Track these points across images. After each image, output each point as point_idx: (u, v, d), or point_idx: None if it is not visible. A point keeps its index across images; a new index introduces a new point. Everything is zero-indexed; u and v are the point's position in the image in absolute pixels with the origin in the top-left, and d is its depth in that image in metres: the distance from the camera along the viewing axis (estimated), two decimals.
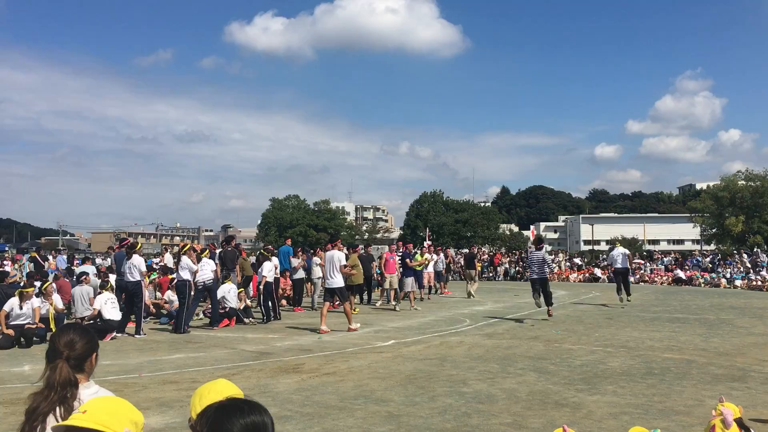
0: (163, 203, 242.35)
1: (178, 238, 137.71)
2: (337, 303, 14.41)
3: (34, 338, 12.78)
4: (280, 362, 10.43)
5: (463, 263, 27.38)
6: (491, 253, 45.78)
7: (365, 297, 21.53)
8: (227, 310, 15.71)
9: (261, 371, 9.61)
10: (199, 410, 2.01)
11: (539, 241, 17.39)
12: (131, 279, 14.07)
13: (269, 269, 16.40)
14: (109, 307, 13.80)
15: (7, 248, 49.99)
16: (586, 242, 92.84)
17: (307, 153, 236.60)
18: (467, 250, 39.51)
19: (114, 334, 13.40)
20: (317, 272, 19.44)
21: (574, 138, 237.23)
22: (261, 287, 16.59)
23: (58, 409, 2.59)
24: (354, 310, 18.09)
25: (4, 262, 29.52)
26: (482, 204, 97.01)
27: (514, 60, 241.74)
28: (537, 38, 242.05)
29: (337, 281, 14.23)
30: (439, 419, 6.81)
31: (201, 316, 16.56)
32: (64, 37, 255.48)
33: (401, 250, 21.45)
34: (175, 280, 15.25)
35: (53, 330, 12.73)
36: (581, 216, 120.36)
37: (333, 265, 14.22)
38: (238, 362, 10.45)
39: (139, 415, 2.15)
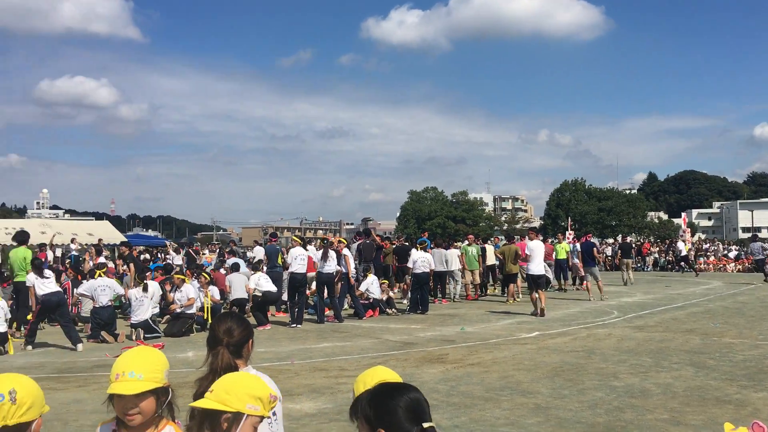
0: (307, 198, 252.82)
1: (321, 231, 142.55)
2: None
3: (195, 326, 13.71)
4: (424, 352, 10.54)
5: (619, 252, 26.92)
6: (639, 243, 43.71)
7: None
8: (371, 301, 16.08)
9: (406, 360, 9.76)
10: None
11: (756, 236, 23.96)
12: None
13: (413, 260, 16.56)
14: (264, 281, 14.66)
15: (167, 243, 53.80)
16: (745, 230, 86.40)
17: (443, 145, 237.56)
18: (617, 240, 38.35)
19: (268, 326, 14.09)
20: (455, 264, 19.32)
21: (728, 119, 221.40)
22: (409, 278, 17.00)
23: None
24: (509, 301, 18.12)
25: (167, 257, 31.87)
26: (627, 191, 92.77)
27: (660, 39, 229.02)
28: (684, 14, 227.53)
29: (541, 269, 15.77)
30: (590, 413, 6.61)
31: (346, 306, 17.02)
32: (213, 43, 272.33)
33: (582, 241, 20.91)
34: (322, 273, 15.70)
35: (209, 320, 13.64)
36: (739, 201, 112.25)
37: (540, 255, 15.71)
38: (383, 351, 10.67)
39: (264, 391, 2.14)
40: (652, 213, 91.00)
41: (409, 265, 16.72)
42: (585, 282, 19.31)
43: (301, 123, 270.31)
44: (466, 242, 21.13)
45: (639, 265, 36.23)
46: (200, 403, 2.12)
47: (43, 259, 18.14)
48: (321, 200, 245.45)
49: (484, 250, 20.81)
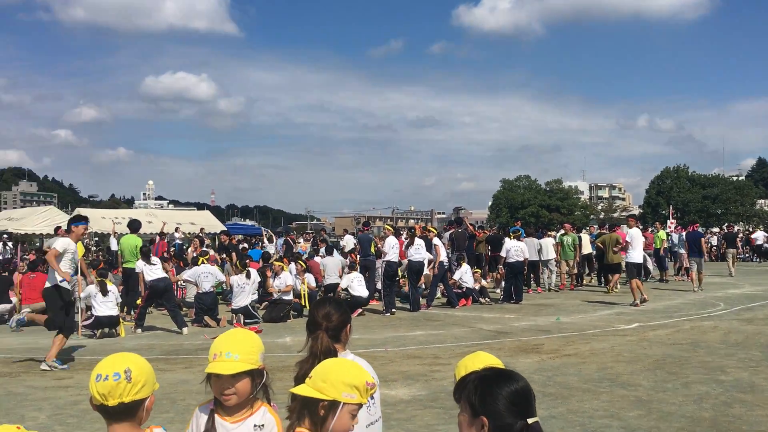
0: (398, 187, 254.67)
1: (412, 221, 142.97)
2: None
3: (292, 312, 14.08)
4: (519, 342, 10.42)
5: (724, 243, 25.74)
6: (747, 232, 41.46)
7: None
8: (464, 290, 16.01)
9: (500, 350, 9.67)
10: None
11: None
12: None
13: (506, 249, 16.33)
14: (356, 284, 14.76)
15: (264, 232, 55.41)
16: None
17: (537, 132, 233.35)
18: (722, 229, 36.71)
19: (360, 310, 14.30)
20: (550, 253, 18.97)
21: None
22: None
23: None
24: (609, 291, 17.78)
25: (264, 245, 32.82)
26: (735, 178, 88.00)
27: None
28: None
29: (641, 257, 16.09)
30: (695, 407, 6.35)
31: (439, 295, 17.01)
32: (306, 36, 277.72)
33: (688, 230, 20.07)
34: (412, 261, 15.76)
35: (306, 306, 13.99)
36: None
37: (640, 243, 15.89)
38: (476, 340, 10.62)
39: (360, 379, 2.14)
40: (762, 201, 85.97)
41: (503, 254, 16.51)
42: (690, 272, 18.53)
43: (392, 113, 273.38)
44: (562, 231, 20.67)
45: (747, 255, 34.40)
46: (299, 390, 2.17)
47: (164, 249, 19.08)
48: (412, 189, 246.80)
49: (579, 239, 20.31)
